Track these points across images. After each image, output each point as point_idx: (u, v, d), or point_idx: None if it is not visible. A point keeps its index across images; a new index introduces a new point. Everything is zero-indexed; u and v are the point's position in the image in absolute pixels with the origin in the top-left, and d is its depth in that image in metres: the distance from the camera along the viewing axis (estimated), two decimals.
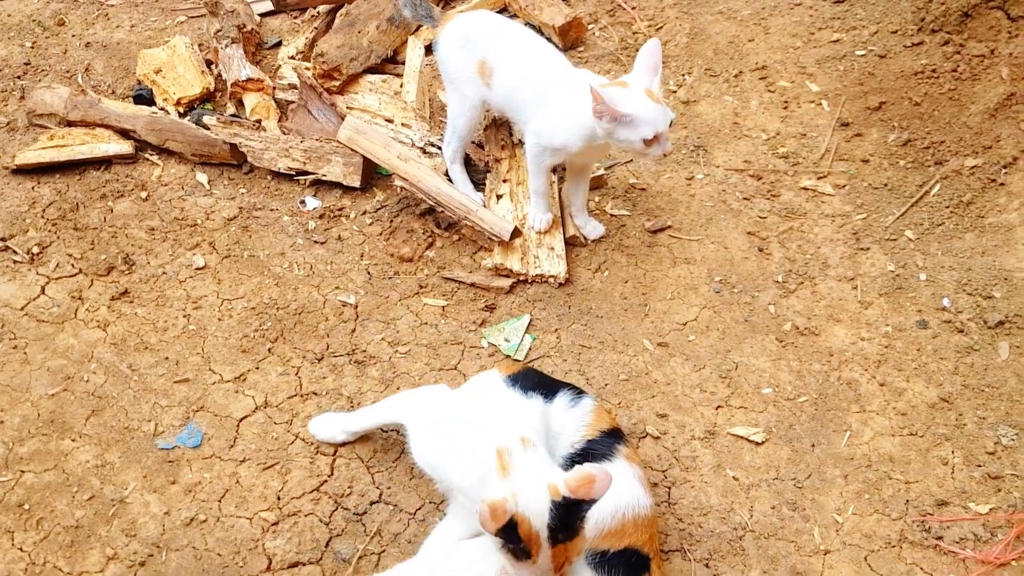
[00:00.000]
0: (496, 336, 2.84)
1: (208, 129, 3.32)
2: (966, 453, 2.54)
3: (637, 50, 3.80)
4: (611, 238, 3.13)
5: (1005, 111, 3.30)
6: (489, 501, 1.82)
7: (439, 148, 3.26)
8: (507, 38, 2.95)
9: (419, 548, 2.26)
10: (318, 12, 3.98)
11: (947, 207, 3.17)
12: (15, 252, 2.99)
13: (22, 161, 3.25)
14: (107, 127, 3.38)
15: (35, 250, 3.00)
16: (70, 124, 3.39)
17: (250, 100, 3.48)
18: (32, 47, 3.86)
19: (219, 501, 2.41)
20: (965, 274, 2.96)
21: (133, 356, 2.74)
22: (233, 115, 3.46)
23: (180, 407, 2.62)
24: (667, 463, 2.54)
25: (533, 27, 3.98)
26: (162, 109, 3.49)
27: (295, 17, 4.06)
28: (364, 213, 3.21)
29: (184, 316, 2.86)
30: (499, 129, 3.34)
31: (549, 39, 3.87)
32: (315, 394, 2.67)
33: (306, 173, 3.26)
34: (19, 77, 3.71)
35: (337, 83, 3.51)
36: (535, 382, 2.31)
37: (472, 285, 2.99)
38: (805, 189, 3.29)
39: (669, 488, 2.48)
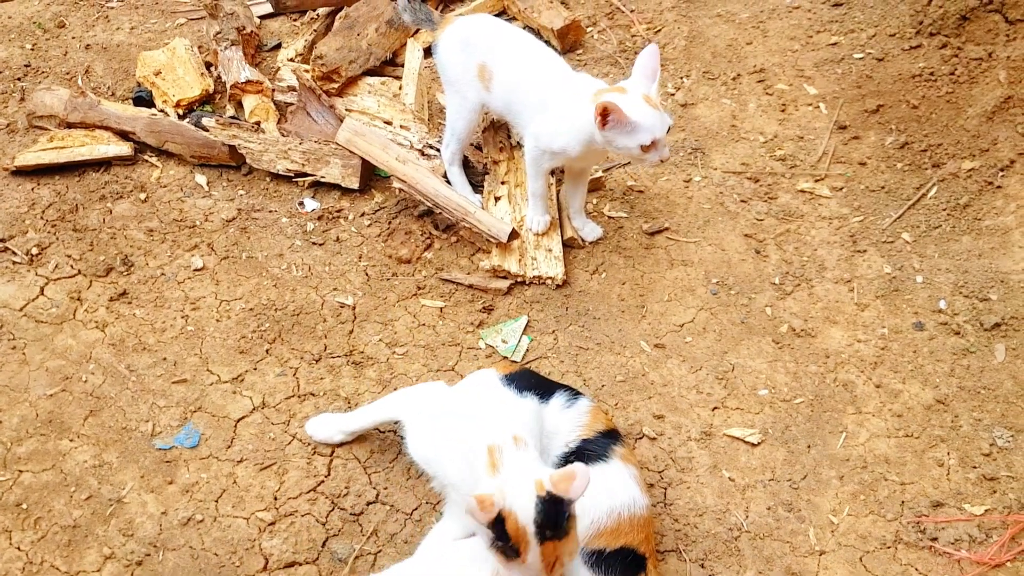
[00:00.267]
0: (494, 337, 2.85)
1: (207, 131, 3.33)
2: (961, 455, 2.55)
3: (636, 53, 3.85)
4: (609, 240, 3.14)
5: (1002, 114, 3.31)
6: (477, 495, 1.83)
7: (438, 150, 3.27)
8: (506, 42, 2.96)
9: (415, 548, 2.26)
10: (317, 14, 4.00)
11: (944, 210, 3.17)
12: (14, 253, 3.00)
13: (22, 162, 3.26)
14: (107, 129, 3.39)
15: (34, 251, 3.01)
16: (70, 126, 3.40)
17: (249, 102, 3.49)
18: (32, 49, 3.87)
19: (216, 501, 2.42)
20: (962, 276, 2.97)
21: (131, 357, 2.75)
22: (232, 117, 3.47)
23: (178, 408, 2.62)
24: (663, 464, 2.54)
25: (532, 30, 3.99)
26: (161, 111, 3.51)
27: (294, 19, 4.07)
28: (362, 215, 3.22)
29: (182, 317, 2.87)
30: (497, 132, 3.35)
31: (548, 42, 3.89)
32: (312, 395, 2.68)
33: (305, 175, 3.27)
34: (19, 79, 3.72)
35: (336, 85, 3.52)
36: (531, 382, 2.31)
37: (470, 287, 3.00)
38: (802, 191, 3.30)
39: (665, 489, 2.49)
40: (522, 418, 2.12)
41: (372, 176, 3.32)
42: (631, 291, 2.99)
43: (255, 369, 2.74)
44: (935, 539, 2.37)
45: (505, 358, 2.79)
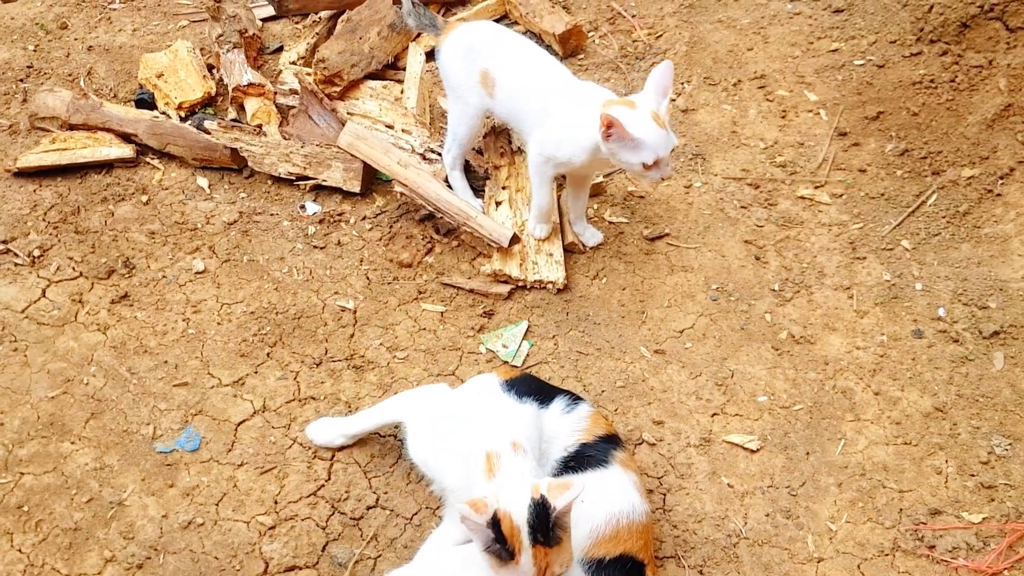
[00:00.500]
0: (494, 342, 2.86)
1: (209, 133, 3.33)
2: (960, 462, 2.56)
3: (637, 58, 3.87)
4: (609, 245, 3.15)
5: (1002, 122, 3.32)
6: (469, 500, 1.85)
7: (439, 154, 3.28)
8: (509, 49, 2.97)
9: (415, 553, 2.28)
10: (320, 18, 4.01)
11: (944, 217, 3.18)
12: (16, 255, 3.01)
13: (24, 164, 3.27)
14: (109, 131, 3.39)
15: (36, 253, 3.02)
16: (72, 127, 3.41)
17: (251, 105, 3.50)
18: (35, 50, 3.88)
19: (216, 505, 2.43)
20: (961, 284, 2.98)
21: (132, 359, 2.76)
22: (234, 120, 3.48)
23: (179, 411, 2.63)
24: (663, 470, 2.55)
25: (533, 35, 4.00)
26: (163, 113, 3.51)
27: (297, 22, 4.08)
28: (364, 218, 3.22)
29: (183, 320, 2.87)
30: (498, 137, 3.36)
31: (549, 47, 3.90)
32: (313, 399, 2.69)
33: (306, 178, 3.28)
34: (21, 80, 3.73)
35: (338, 89, 3.53)
36: (531, 388, 2.32)
37: (471, 291, 3.01)
38: (802, 198, 3.31)
39: (664, 495, 2.50)
40: (521, 424, 2.13)
41: (373, 180, 3.33)
42: (631, 297, 3.00)
43: (256, 372, 2.74)
44: (933, 547, 2.38)
45: (505, 363, 2.80)
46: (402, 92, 3.60)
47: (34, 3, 4.14)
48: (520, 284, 2.99)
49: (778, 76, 3.77)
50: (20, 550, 2.31)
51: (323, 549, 2.36)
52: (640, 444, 2.61)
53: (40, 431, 2.56)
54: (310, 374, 2.75)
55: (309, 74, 3.57)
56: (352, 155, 3.19)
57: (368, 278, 3.04)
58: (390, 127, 3.41)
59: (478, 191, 3.26)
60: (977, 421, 2.65)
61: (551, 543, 1.87)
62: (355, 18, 3.73)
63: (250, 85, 3.52)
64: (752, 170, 3.42)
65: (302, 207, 3.25)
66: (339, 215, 3.23)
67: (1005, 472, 2.53)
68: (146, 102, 3.58)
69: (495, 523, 1.85)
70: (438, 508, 2.42)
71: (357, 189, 3.25)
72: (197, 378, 2.72)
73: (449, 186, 3.15)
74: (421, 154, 3.27)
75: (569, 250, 3.10)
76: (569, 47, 3.91)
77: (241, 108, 3.55)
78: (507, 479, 1.94)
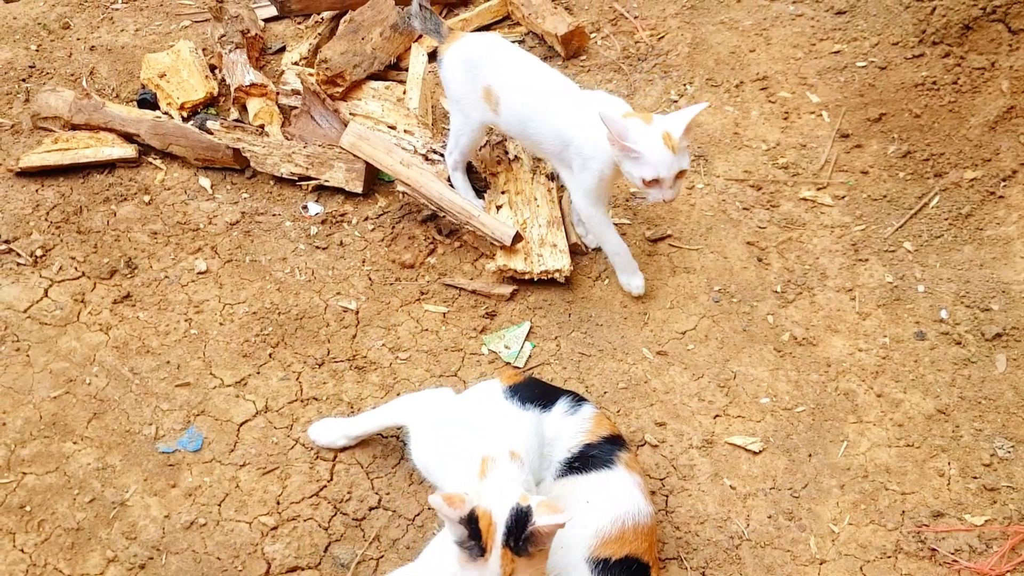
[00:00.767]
0: (496, 343, 2.86)
1: (211, 134, 3.33)
2: (962, 465, 2.56)
3: (639, 59, 3.87)
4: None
5: (1005, 124, 3.33)
6: (445, 493, 1.84)
7: (441, 155, 3.28)
8: (512, 66, 2.94)
9: (418, 554, 2.27)
10: (322, 18, 4.00)
11: (946, 219, 3.19)
12: (18, 254, 3.01)
13: (26, 164, 3.27)
14: (111, 131, 3.39)
15: (38, 253, 3.02)
16: (74, 127, 3.41)
17: (253, 105, 3.50)
18: (37, 50, 3.88)
19: (219, 505, 2.43)
20: (963, 286, 2.98)
21: (135, 360, 2.76)
22: (236, 120, 3.48)
23: (181, 411, 2.63)
24: (665, 471, 2.55)
25: (536, 36, 4.00)
26: (166, 113, 3.51)
27: (299, 23, 4.08)
28: (366, 219, 3.22)
29: (186, 320, 2.87)
30: (494, 148, 3.36)
31: (552, 47, 3.90)
32: (315, 399, 2.69)
33: (308, 178, 3.28)
34: (24, 80, 3.73)
35: (340, 89, 3.53)
36: (535, 393, 2.31)
37: (473, 292, 3.01)
38: (804, 200, 3.31)
39: (667, 496, 2.50)
40: (522, 434, 2.12)
41: (376, 180, 3.33)
42: (633, 298, 3.00)
43: (258, 373, 2.74)
44: (935, 549, 2.38)
45: (508, 364, 2.79)
46: (404, 93, 3.60)
47: (36, 3, 4.14)
48: (527, 277, 2.98)
49: (780, 78, 3.77)
50: (22, 550, 2.31)
51: (325, 550, 2.36)
52: (642, 445, 2.61)
53: (42, 431, 2.55)
54: (312, 375, 2.75)
55: (311, 74, 3.57)
56: (354, 155, 3.19)
57: (370, 279, 3.04)
58: (392, 128, 3.41)
59: (480, 192, 3.26)
60: (979, 423, 2.65)
61: (521, 553, 1.86)
62: (357, 19, 3.73)
63: (252, 85, 3.52)
64: (754, 172, 3.42)
65: (304, 208, 3.25)
66: (341, 216, 3.23)
67: (1008, 474, 2.53)
68: (148, 102, 3.58)
69: (472, 519, 1.85)
70: None
71: (359, 190, 3.24)
72: (199, 378, 2.72)
73: (452, 187, 3.15)
74: (423, 155, 3.27)
75: (572, 251, 3.10)
76: (571, 48, 3.91)
77: (243, 108, 3.55)
78: (496, 481, 1.94)
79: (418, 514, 2.43)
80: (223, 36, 3.68)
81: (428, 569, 2.17)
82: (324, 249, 3.12)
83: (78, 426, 2.57)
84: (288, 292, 2.97)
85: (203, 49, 3.84)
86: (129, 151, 3.35)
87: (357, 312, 2.93)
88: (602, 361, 2.83)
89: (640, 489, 2.22)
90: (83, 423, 2.58)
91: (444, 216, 3.10)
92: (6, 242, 3.04)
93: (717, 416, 2.69)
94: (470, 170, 3.25)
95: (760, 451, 2.60)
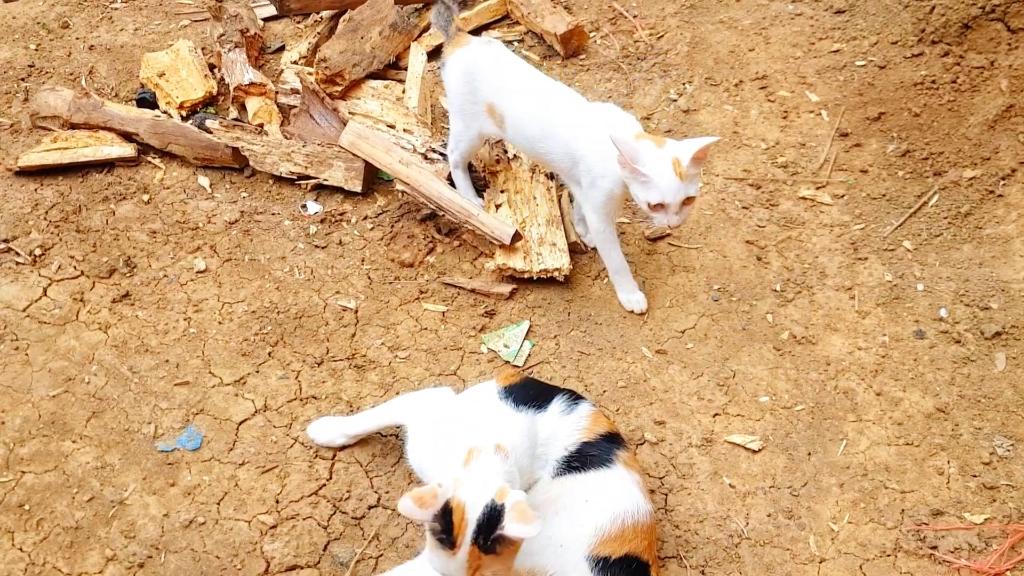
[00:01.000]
0: (496, 342, 2.86)
1: (210, 133, 3.33)
2: (962, 463, 2.56)
3: (638, 58, 3.87)
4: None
5: (1004, 123, 3.32)
6: (415, 493, 1.83)
7: (441, 154, 3.28)
8: (515, 83, 2.89)
9: (417, 552, 2.28)
10: (321, 17, 4.00)
11: (945, 218, 3.18)
12: (17, 253, 3.01)
13: (25, 163, 3.26)
14: (110, 130, 3.39)
15: (37, 252, 3.02)
16: (73, 127, 3.40)
17: (252, 104, 3.50)
18: (36, 50, 3.88)
19: (218, 504, 2.43)
20: (963, 285, 2.98)
21: (134, 358, 2.75)
22: (235, 119, 3.48)
23: (180, 410, 2.63)
24: (664, 470, 2.55)
25: (535, 35, 4.00)
26: (165, 112, 3.51)
27: (298, 22, 4.08)
28: (365, 218, 3.22)
29: (185, 319, 2.87)
30: (492, 147, 3.35)
31: (551, 46, 3.90)
32: (315, 398, 2.68)
33: (308, 177, 3.28)
34: (23, 79, 3.73)
35: (339, 88, 3.53)
36: (530, 394, 2.29)
37: (472, 291, 3.00)
38: (804, 199, 3.31)
39: (666, 495, 2.50)
40: (513, 432, 2.11)
41: (375, 180, 3.33)
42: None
43: (257, 372, 2.74)
44: (935, 547, 2.37)
45: (507, 363, 2.79)
46: (404, 92, 3.60)
47: (36, 2, 4.14)
48: (526, 276, 2.98)
49: (779, 77, 3.77)
50: (21, 549, 2.30)
51: (324, 548, 2.35)
52: (642, 444, 2.61)
53: (41, 430, 2.55)
54: (311, 373, 2.75)
55: (311, 73, 3.57)
56: (354, 154, 3.19)
57: (369, 278, 3.04)
58: (391, 127, 3.41)
59: (480, 191, 3.26)
60: (979, 422, 2.64)
61: (488, 552, 1.86)
62: (356, 18, 3.73)
63: (251, 84, 3.52)
64: (753, 170, 3.42)
65: (303, 206, 3.25)
66: (340, 215, 3.23)
67: (1007, 473, 2.53)
68: (147, 101, 3.58)
69: (447, 511, 1.84)
70: None
71: (359, 189, 3.24)
72: (198, 377, 2.71)
73: (451, 184, 3.15)
74: (423, 154, 3.27)
75: (571, 250, 3.09)
76: (571, 47, 3.91)
77: (242, 107, 3.56)
78: (477, 472, 1.92)
79: None
80: (222, 35, 3.68)
81: (428, 568, 2.17)
82: (323, 248, 3.12)
83: (77, 425, 2.57)
84: (287, 291, 2.97)
85: (202, 48, 3.84)
86: (128, 150, 3.34)
87: (356, 311, 2.93)
88: (601, 360, 2.82)
89: (639, 487, 2.21)
90: (82, 422, 2.58)
91: (443, 215, 3.10)
92: (5, 241, 3.04)
93: (716, 415, 2.69)
94: (469, 168, 3.25)
95: (759, 449, 2.60)
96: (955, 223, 3.16)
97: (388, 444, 2.56)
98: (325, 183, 3.27)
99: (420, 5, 3.97)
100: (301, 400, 2.68)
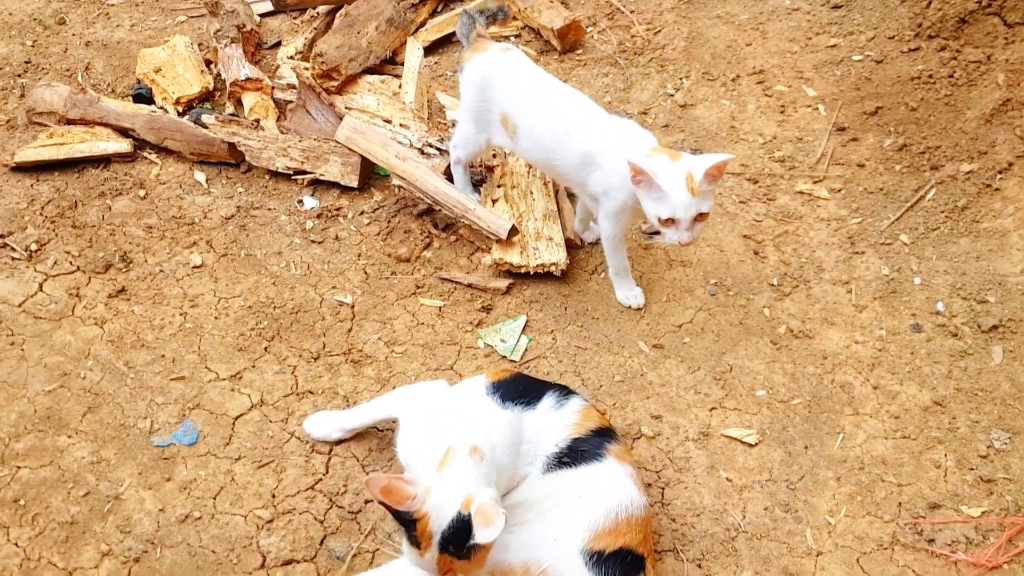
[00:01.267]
0: (492, 337, 2.85)
1: (207, 128, 3.33)
2: (959, 456, 2.55)
3: (635, 53, 3.86)
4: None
5: (1001, 117, 3.32)
6: (392, 484, 1.85)
7: (438, 149, 3.27)
8: (532, 93, 2.84)
9: None
10: (317, 13, 4.00)
11: (942, 212, 3.18)
12: (13, 249, 3.00)
13: (21, 159, 3.26)
14: (106, 125, 3.39)
15: (33, 247, 3.01)
16: (69, 122, 3.40)
17: (249, 100, 3.49)
18: (33, 46, 3.87)
19: (214, 498, 2.42)
20: (959, 278, 2.98)
21: (130, 353, 2.75)
22: (232, 114, 3.47)
23: (176, 405, 2.62)
24: (661, 464, 2.55)
25: (532, 30, 4.00)
26: (161, 108, 3.51)
27: (294, 17, 4.07)
28: (362, 213, 3.22)
29: (181, 314, 2.87)
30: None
31: (548, 41, 3.90)
32: (311, 393, 2.68)
33: (304, 172, 3.27)
34: (19, 75, 3.72)
35: (336, 83, 3.52)
36: (518, 391, 2.27)
37: (469, 286, 3.00)
38: (801, 193, 3.31)
39: (663, 489, 2.49)
40: (493, 430, 2.11)
41: (371, 175, 3.32)
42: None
43: (253, 367, 2.74)
44: (932, 540, 2.37)
45: (504, 357, 2.79)
46: (400, 87, 3.60)
47: None
48: (523, 271, 2.97)
49: (776, 71, 3.77)
50: (16, 544, 2.30)
51: (321, 543, 2.35)
52: (638, 438, 2.61)
53: (37, 425, 2.55)
54: (308, 368, 2.74)
55: (307, 69, 3.56)
56: (350, 149, 3.18)
57: (366, 273, 3.03)
58: (388, 121, 3.40)
59: (477, 186, 3.25)
60: (976, 415, 2.64)
61: (460, 556, 1.87)
62: (353, 13, 3.72)
63: (248, 80, 3.52)
64: (751, 165, 3.41)
65: (300, 202, 3.25)
66: (337, 210, 3.22)
67: (1004, 466, 2.52)
68: (144, 97, 3.58)
69: (412, 520, 1.87)
70: None
71: (355, 184, 3.24)
72: (194, 372, 2.71)
73: (448, 179, 3.14)
74: (419, 148, 3.26)
75: (568, 245, 3.09)
76: (567, 42, 3.90)
77: (239, 103, 3.55)
78: (448, 480, 1.91)
79: None
80: (219, 31, 3.67)
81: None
82: (320, 243, 3.11)
83: (73, 420, 2.57)
84: (283, 286, 2.97)
85: (199, 44, 3.84)
86: (124, 146, 3.34)
87: (353, 306, 2.93)
88: (598, 354, 2.82)
89: (633, 480, 2.20)
90: (78, 417, 2.58)
91: (440, 210, 3.09)
92: (1, 236, 3.04)
93: (713, 409, 2.69)
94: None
95: (756, 443, 2.59)
96: (952, 217, 3.16)
97: (384, 439, 2.56)
98: (321, 178, 3.26)
99: (416, 0, 3.96)
100: (297, 395, 2.67)
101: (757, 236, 3.16)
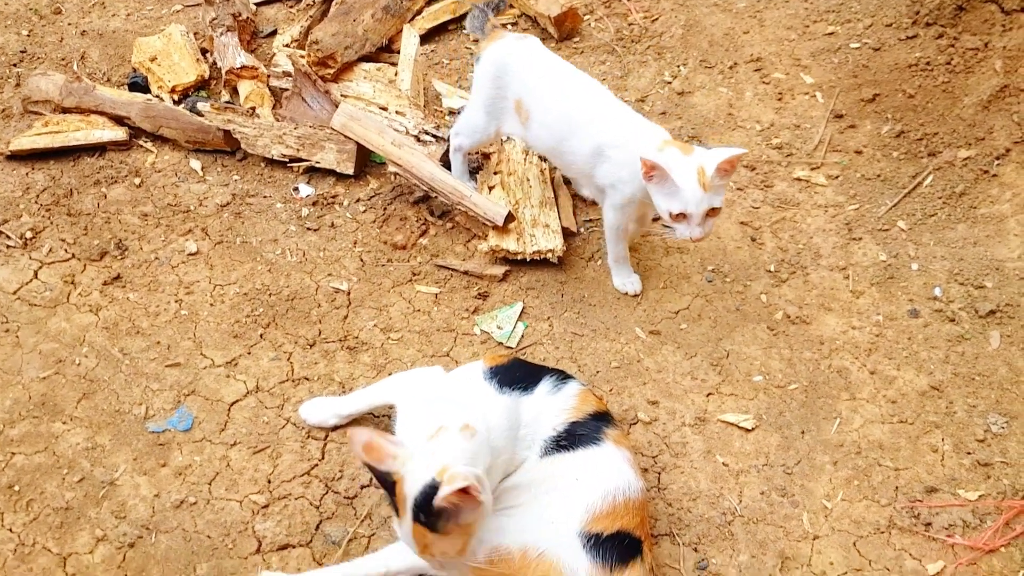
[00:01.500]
0: (489, 323, 2.85)
1: (202, 116, 3.32)
2: (956, 441, 2.55)
3: (632, 41, 3.85)
4: (602, 227, 3.12)
5: (998, 103, 3.31)
6: (372, 439, 1.87)
7: (433, 136, 3.26)
8: (548, 79, 2.82)
9: None
10: (313, 1, 3.99)
11: (940, 198, 3.17)
12: (8, 237, 2.99)
13: (16, 147, 3.25)
14: (102, 114, 3.38)
15: (28, 235, 3.00)
16: (65, 111, 3.39)
17: (244, 88, 3.49)
18: (28, 35, 3.86)
19: (209, 484, 2.42)
20: (957, 264, 2.97)
21: (125, 340, 2.74)
22: (227, 102, 3.46)
23: (171, 391, 2.62)
24: (657, 449, 2.54)
25: (528, 18, 3.99)
26: (157, 96, 3.49)
27: (290, 6, 4.06)
28: (357, 201, 3.21)
29: (176, 301, 2.86)
30: None
31: (545, 29, 3.89)
32: (307, 379, 2.67)
33: (300, 160, 3.26)
34: (15, 64, 3.71)
35: (331, 71, 3.51)
36: (516, 375, 2.26)
37: (465, 273, 2.99)
38: (798, 180, 3.30)
39: (659, 473, 2.49)
40: (490, 415, 2.10)
41: (367, 162, 3.31)
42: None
43: (249, 353, 2.73)
44: (929, 524, 2.37)
45: (500, 344, 2.78)
46: (396, 74, 3.59)
47: None
48: (519, 258, 2.96)
49: (774, 59, 3.76)
50: (11, 529, 2.29)
51: (317, 528, 2.34)
52: (635, 424, 2.60)
53: (31, 411, 2.54)
54: (303, 355, 2.73)
55: (303, 56, 3.56)
56: (346, 136, 3.17)
57: (362, 260, 3.02)
58: (384, 109, 3.40)
59: (473, 173, 3.24)
60: (973, 399, 2.64)
61: (432, 527, 1.85)
62: (349, 0, 3.71)
63: (243, 68, 3.51)
64: (748, 152, 3.40)
65: (295, 189, 3.24)
66: (332, 197, 3.21)
67: (1001, 450, 2.52)
68: (139, 85, 3.57)
69: (391, 483, 1.88)
70: None
71: (351, 171, 3.23)
72: (190, 359, 2.70)
73: (444, 166, 3.13)
74: (415, 135, 3.25)
75: (565, 232, 3.08)
76: (564, 30, 3.89)
77: (234, 91, 3.54)
78: (432, 449, 1.90)
79: None
80: (214, 19, 3.66)
81: None
82: (315, 231, 3.10)
83: (67, 406, 2.56)
84: (279, 273, 2.96)
85: (194, 33, 3.82)
86: (120, 134, 3.33)
87: (349, 293, 2.92)
88: (595, 341, 2.81)
89: (630, 464, 2.20)
90: (72, 403, 2.57)
91: (436, 197, 3.09)
92: None
93: (710, 394, 2.68)
94: None
95: (753, 428, 2.59)
96: (949, 203, 3.15)
97: (380, 425, 2.55)
98: (317, 166, 3.25)
99: None
100: (293, 381, 2.67)
101: (754, 223, 3.16)
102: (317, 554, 2.29)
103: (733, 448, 2.55)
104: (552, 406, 2.25)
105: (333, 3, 3.82)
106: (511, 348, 2.78)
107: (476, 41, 3.89)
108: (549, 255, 2.97)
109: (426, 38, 3.86)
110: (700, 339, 2.83)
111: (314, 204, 3.19)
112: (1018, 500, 2.39)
